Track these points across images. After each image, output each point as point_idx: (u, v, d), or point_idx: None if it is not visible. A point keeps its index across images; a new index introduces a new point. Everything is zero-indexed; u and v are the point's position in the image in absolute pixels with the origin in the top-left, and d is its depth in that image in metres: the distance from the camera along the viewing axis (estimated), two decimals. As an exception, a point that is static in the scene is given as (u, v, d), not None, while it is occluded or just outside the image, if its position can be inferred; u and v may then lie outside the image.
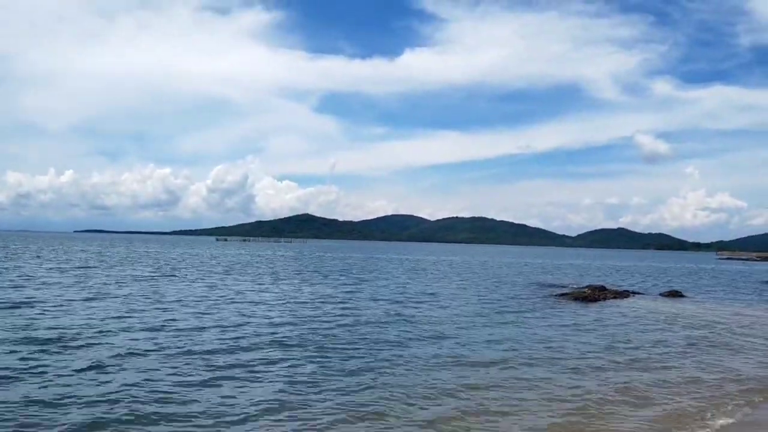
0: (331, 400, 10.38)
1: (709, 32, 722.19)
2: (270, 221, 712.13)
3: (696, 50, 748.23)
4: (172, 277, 36.22)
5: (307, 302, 25.06)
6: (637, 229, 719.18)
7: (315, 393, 10.78)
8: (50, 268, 40.02)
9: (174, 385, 10.89)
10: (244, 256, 76.32)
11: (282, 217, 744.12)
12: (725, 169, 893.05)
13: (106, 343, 14.33)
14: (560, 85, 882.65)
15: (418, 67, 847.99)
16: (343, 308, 23.03)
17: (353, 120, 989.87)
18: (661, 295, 35.20)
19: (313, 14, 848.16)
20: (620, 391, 11.70)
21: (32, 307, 20.03)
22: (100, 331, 15.85)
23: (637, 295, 34.41)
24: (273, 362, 13.15)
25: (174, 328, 17.02)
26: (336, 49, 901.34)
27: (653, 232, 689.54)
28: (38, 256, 57.09)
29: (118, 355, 13.09)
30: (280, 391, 10.87)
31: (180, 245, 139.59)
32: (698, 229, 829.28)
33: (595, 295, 31.45)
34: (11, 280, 29.67)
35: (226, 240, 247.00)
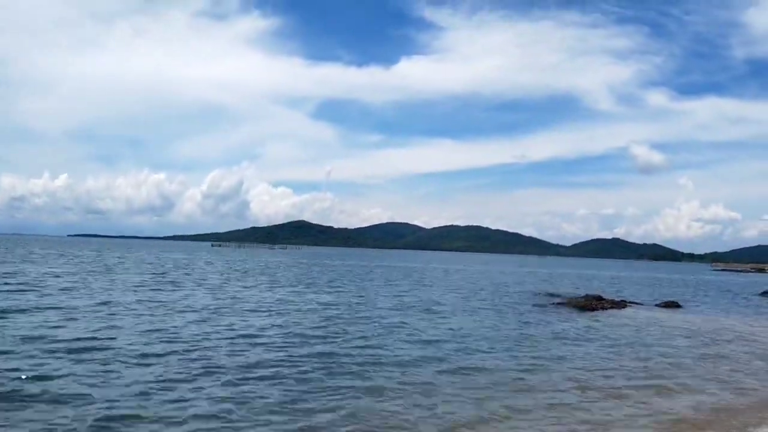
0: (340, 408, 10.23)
1: (704, 44, 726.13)
2: (265, 227, 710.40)
3: (691, 62, 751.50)
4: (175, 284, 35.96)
5: (323, 309, 24.91)
6: (632, 240, 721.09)
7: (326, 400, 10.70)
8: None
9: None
10: (246, 263, 76.04)
11: (277, 223, 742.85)
12: (719, 181, 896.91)
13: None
14: (555, 95, 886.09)
15: (415, 75, 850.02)
16: (353, 317, 22.84)
17: (349, 127, 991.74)
18: (657, 305, 35.12)
19: (311, 21, 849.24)
20: (631, 403, 11.57)
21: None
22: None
23: (634, 305, 34.32)
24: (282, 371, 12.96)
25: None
26: (333, 57, 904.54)
27: (648, 242, 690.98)
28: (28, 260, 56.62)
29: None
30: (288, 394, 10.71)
31: (177, 250, 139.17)
32: (692, 240, 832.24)
33: (592, 304, 31.34)
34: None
35: (221, 245, 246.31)
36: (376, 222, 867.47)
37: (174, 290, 30.70)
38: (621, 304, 33.69)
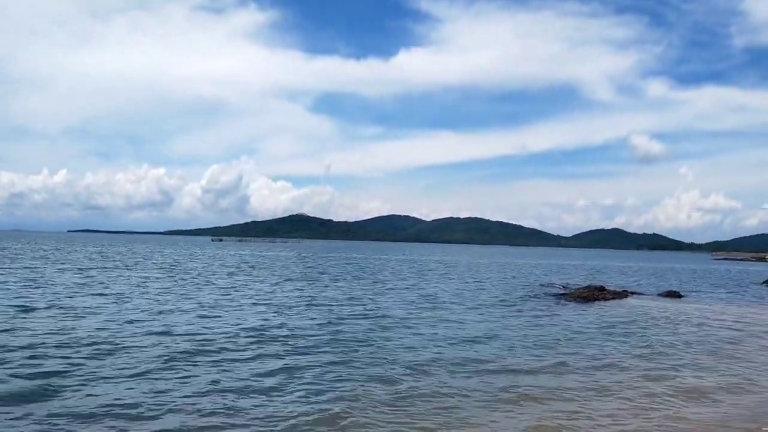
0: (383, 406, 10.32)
1: (703, 33, 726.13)
2: (264, 221, 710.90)
3: (690, 51, 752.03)
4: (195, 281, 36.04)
5: (330, 304, 24.90)
6: (632, 230, 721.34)
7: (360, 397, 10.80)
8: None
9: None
10: (249, 257, 76.12)
11: (277, 217, 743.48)
12: (719, 170, 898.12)
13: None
14: (555, 86, 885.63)
15: (413, 67, 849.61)
16: (366, 310, 22.89)
17: (348, 120, 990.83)
18: (659, 295, 35.24)
19: (309, 14, 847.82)
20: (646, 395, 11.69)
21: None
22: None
23: (635, 295, 34.44)
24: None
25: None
26: (331, 50, 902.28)
27: (648, 232, 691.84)
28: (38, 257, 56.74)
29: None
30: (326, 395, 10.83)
31: (179, 245, 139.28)
32: (692, 229, 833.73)
33: (594, 295, 31.46)
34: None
35: (221, 240, 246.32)
36: (376, 215, 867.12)
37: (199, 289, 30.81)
38: (623, 294, 33.82)
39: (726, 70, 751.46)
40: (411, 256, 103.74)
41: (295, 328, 17.83)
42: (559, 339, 17.61)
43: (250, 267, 52.09)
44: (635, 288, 39.99)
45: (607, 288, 35.25)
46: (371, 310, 23.13)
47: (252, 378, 11.62)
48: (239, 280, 35.83)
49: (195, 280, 35.21)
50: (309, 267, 55.57)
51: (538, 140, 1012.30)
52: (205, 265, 53.35)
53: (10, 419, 8.77)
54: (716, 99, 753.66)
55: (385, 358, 13.86)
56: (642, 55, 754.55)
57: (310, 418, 9.34)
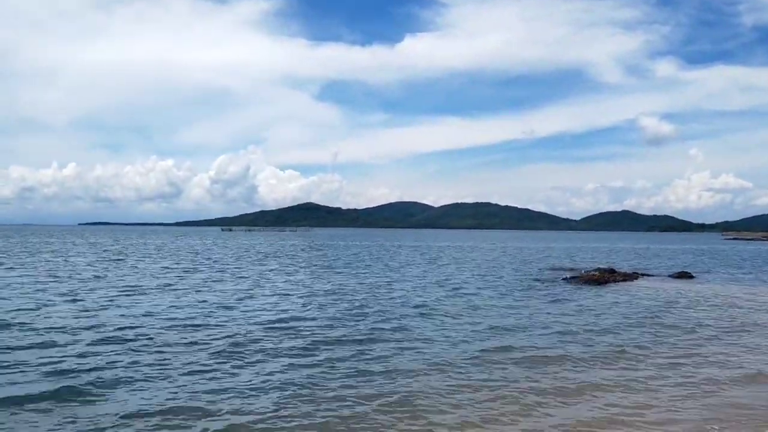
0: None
1: (711, 12, 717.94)
2: (273, 210, 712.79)
3: (698, 30, 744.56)
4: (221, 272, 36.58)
5: (355, 292, 25.26)
6: (642, 212, 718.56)
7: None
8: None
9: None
10: (262, 246, 76.76)
11: (285, 206, 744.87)
12: (729, 150, 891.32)
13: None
14: (562, 69, 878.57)
15: (419, 53, 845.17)
16: (395, 298, 23.06)
17: (354, 108, 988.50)
18: (670, 276, 35.44)
19: (312, 1, 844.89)
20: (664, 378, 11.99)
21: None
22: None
23: (646, 277, 34.67)
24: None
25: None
26: (336, 37, 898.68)
27: (658, 214, 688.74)
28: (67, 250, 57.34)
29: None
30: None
31: (190, 236, 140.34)
32: (703, 210, 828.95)
33: (605, 277, 31.72)
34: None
35: (231, 230, 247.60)
36: (384, 202, 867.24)
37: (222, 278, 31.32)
38: (633, 276, 34.06)
39: (735, 49, 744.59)
40: (422, 243, 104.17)
41: (331, 318, 17.94)
42: (583, 325, 17.42)
43: (264, 256, 52.63)
44: (646, 269, 40.19)
45: (617, 270, 35.50)
46: (400, 297, 23.30)
47: (301, 367, 11.84)
48: (262, 270, 36.31)
49: (226, 270, 35.78)
50: (324, 256, 56.03)
51: (546, 124, 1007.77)
52: (227, 254, 53.95)
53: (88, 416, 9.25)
54: (725, 78, 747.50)
55: (429, 347, 13.82)
56: (649, 36, 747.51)
57: (374, 406, 9.47)
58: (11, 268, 34.66)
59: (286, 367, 11.78)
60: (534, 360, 12.80)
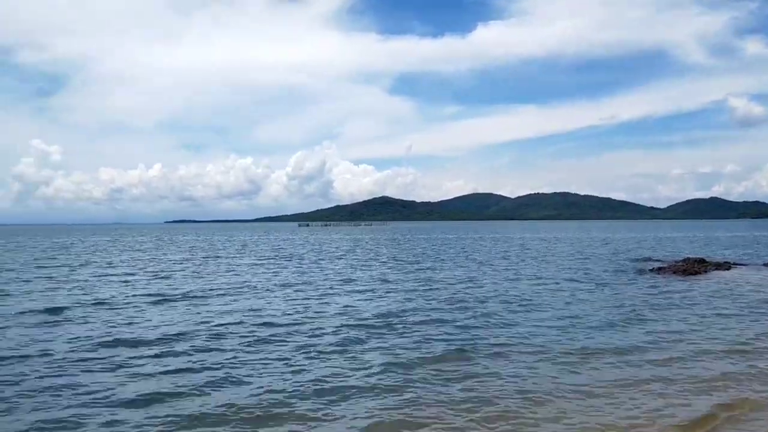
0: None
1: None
2: (348, 205, 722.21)
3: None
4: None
5: (449, 284, 25.85)
6: (732, 198, 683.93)
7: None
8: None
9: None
10: (343, 241, 78.60)
11: (360, 200, 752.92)
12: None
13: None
14: (643, 51, 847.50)
15: (492, 41, 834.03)
16: (492, 291, 23.16)
17: (427, 100, 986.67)
18: (765, 265, 34.13)
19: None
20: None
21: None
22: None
23: (739, 267, 33.55)
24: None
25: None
26: (407, 29, 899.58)
27: (749, 200, 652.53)
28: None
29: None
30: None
31: (272, 231, 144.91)
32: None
33: (695, 268, 30.97)
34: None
35: (308, 225, 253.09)
36: (459, 194, 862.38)
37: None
38: (725, 266, 33.04)
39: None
40: (502, 235, 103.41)
41: (430, 310, 18.34)
42: (695, 317, 17.08)
43: (346, 251, 54.03)
44: (738, 259, 38.79)
45: (708, 260, 34.52)
46: (494, 290, 23.36)
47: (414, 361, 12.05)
48: (350, 264, 37.56)
49: (321, 265, 37.32)
50: (406, 249, 56.85)
51: (627, 109, 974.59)
52: (316, 249, 55.77)
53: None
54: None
55: (544, 342, 13.67)
56: (736, 13, 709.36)
57: (502, 402, 9.53)
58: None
59: (400, 361, 11.98)
60: (656, 352, 12.68)
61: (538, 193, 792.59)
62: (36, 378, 10.72)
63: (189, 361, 11.90)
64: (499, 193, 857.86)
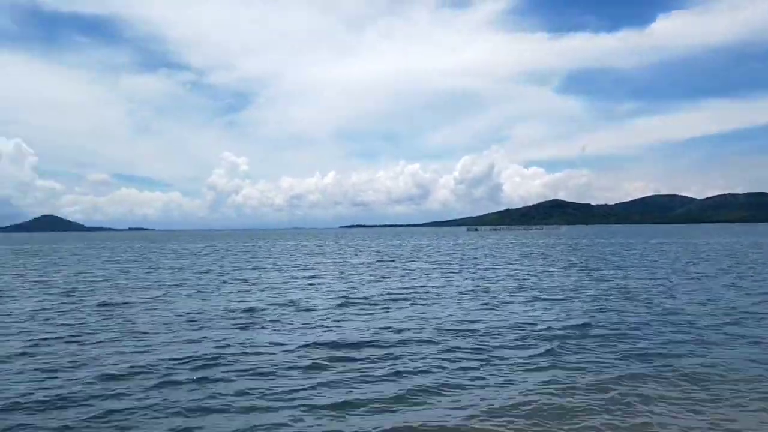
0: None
1: None
2: (518, 209, 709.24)
3: None
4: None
5: (650, 294, 24.23)
6: None
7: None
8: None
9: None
10: (518, 245, 77.02)
11: (530, 204, 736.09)
12: None
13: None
14: None
15: (674, 32, 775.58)
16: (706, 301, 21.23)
17: (601, 97, 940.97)
18: None
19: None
20: None
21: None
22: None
23: None
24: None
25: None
26: (579, 25, 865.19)
27: None
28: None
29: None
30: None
31: (441, 236, 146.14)
32: None
33: None
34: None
35: (476, 230, 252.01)
36: (639, 196, 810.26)
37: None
38: None
39: None
40: (695, 240, 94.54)
41: (618, 323, 17.31)
42: None
43: (524, 255, 52.50)
44: None
45: None
46: (704, 300, 21.26)
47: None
48: (525, 269, 36.35)
49: (507, 271, 36.76)
50: (585, 254, 53.86)
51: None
52: (492, 253, 55.12)
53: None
54: None
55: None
56: None
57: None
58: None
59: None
60: None
61: (729, 194, 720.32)
62: (246, 378, 11.22)
63: (382, 367, 11.84)
64: (683, 194, 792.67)
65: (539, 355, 12.93)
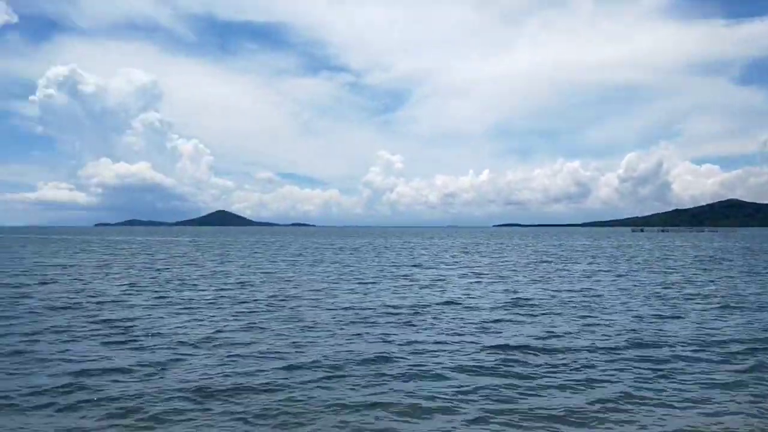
0: None
1: None
2: (689, 209, 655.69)
3: None
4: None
5: None
6: None
7: None
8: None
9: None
10: (691, 248, 71.56)
11: (703, 204, 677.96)
12: None
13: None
14: None
15: None
16: None
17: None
18: None
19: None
20: None
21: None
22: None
23: None
24: None
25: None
26: (761, 10, 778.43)
27: None
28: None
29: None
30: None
31: (603, 237, 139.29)
32: None
33: None
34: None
35: (642, 230, 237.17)
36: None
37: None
38: None
39: None
40: None
41: None
42: None
43: (695, 258, 48.40)
44: None
45: None
46: None
47: None
48: (709, 273, 33.49)
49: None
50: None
51: None
52: (658, 257, 51.71)
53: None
54: None
55: None
56: None
57: None
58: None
59: None
60: None
61: None
62: (414, 378, 11.26)
63: (554, 375, 11.33)
64: None
65: (737, 371, 11.68)
